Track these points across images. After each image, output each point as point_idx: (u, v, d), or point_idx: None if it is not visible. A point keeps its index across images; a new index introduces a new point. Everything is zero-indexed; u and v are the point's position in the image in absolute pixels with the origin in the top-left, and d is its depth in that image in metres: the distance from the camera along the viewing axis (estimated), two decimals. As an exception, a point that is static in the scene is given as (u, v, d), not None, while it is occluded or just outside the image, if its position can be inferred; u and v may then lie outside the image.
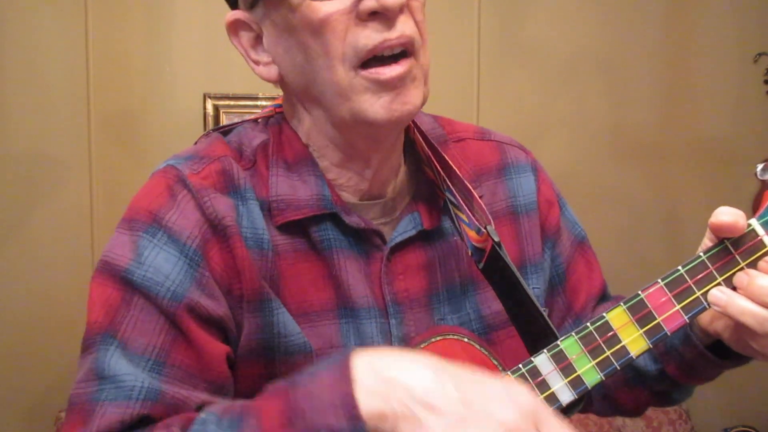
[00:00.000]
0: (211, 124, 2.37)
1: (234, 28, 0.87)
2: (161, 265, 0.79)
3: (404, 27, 0.79)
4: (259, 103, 2.35)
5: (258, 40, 0.86)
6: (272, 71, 0.87)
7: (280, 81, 0.88)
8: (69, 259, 2.32)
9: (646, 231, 2.61)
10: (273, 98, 2.30)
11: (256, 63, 0.88)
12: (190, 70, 2.36)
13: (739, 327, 0.80)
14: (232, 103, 2.36)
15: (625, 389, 1.01)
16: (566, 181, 2.49)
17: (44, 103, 2.29)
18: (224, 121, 2.37)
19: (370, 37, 0.78)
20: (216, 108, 2.36)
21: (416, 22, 0.81)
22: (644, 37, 2.55)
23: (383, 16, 0.78)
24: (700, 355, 0.89)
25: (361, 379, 0.64)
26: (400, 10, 0.78)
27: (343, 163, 0.88)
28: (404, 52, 0.80)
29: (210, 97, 2.36)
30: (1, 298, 2.29)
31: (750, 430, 2.55)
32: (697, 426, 2.48)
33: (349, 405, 0.63)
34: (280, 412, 0.65)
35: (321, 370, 0.67)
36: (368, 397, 0.63)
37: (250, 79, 2.51)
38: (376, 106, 0.80)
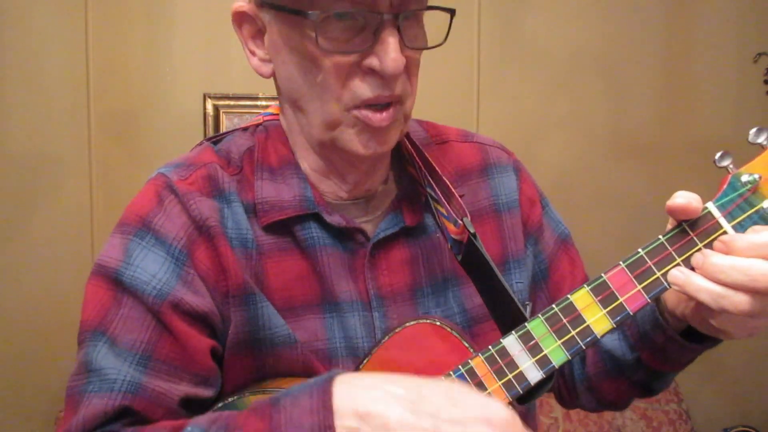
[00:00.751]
0: (211, 124, 2.37)
1: (238, 17, 0.90)
2: (149, 266, 0.85)
3: (398, 87, 0.85)
4: (259, 103, 2.36)
5: (259, 34, 0.90)
6: (267, 68, 0.91)
7: (273, 78, 0.92)
8: (69, 259, 2.33)
9: (645, 231, 2.59)
10: (273, 98, 2.30)
11: (252, 53, 0.91)
12: (190, 70, 2.36)
13: (699, 306, 0.83)
14: (232, 103, 2.37)
15: (607, 381, 1.04)
16: (566, 181, 2.50)
17: (44, 103, 2.29)
18: (224, 120, 2.37)
19: (367, 90, 0.84)
20: (216, 108, 2.37)
21: (409, 75, 0.87)
22: (644, 37, 2.55)
23: (381, 77, 0.83)
24: (670, 339, 0.91)
25: (340, 411, 0.67)
26: (401, 73, 0.83)
27: (322, 171, 0.93)
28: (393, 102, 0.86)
29: (210, 97, 2.36)
30: (1, 297, 2.29)
31: (750, 430, 2.55)
32: (697, 426, 2.48)
33: None
34: None
35: (303, 394, 0.70)
36: None
37: (250, 79, 2.51)
38: (355, 142, 0.86)
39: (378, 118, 0.84)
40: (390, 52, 0.81)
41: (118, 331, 0.83)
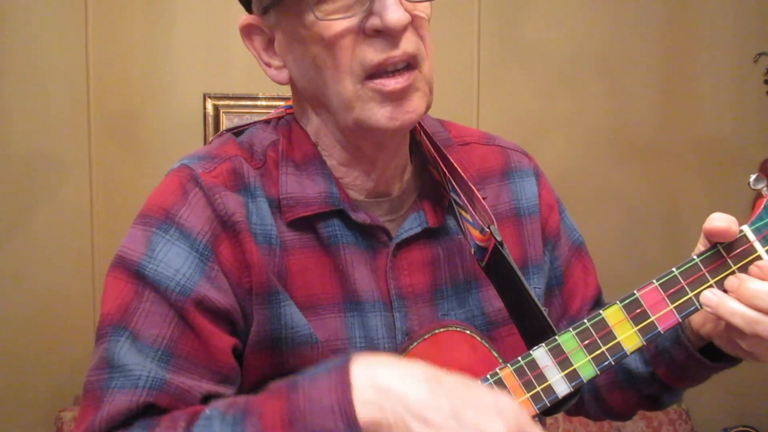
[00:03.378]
0: (211, 124, 2.37)
1: (247, 31, 0.90)
2: (172, 260, 0.83)
3: (407, 44, 0.82)
4: (258, 102, 2.36)
5: (270, 43, 0.89)
6: (283, 75, 0.90)
7: (291, 83, 0.92)
8: (69, 258, 2.33)
9: (645, 231, 2.61)
10: (273, 98, 2.31)
11: (268, 65, 0.91)
12: (190, 70, 2.36)
13: (729, 328, 0.83)
14: (232, 103, 2.37)
15: (616, 392, 1.03)
16: (566, 181, 2.50)
17: (44, 103, 2.29)
18: (224, 120, 2.37)
19: (375, 53, 0.82)
20: (216, 108, 2.37)
21: (420, 37, 0.85)
22: (644, 37, 2.55)
23: (387, 35, 0.81)
24: (691, 357, 0.91)
25: (358, 386, 0.68)
26: (404, 28, 0.82)
27: (350, 163, 0.91)
28: (408, 65, 0.84)
29: (210, 97, 2.36)
30: (1, 297, 2.29)
31: (750, 430, 2.55)
32: (697, 426, 2.48)
33: (347, 410, 0.67)
34: (281, 413, 0.69)
35: (321, 374, 0.71)
36: (365, 406, 0.68)
37: (250, 79, 2.51)
38: (378, 115, 0.84)
39: (393, 81, 0.82)
40: (388, 5, 0.79)
41: (140, 326, 0.81)
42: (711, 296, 0.80)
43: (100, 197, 2.34)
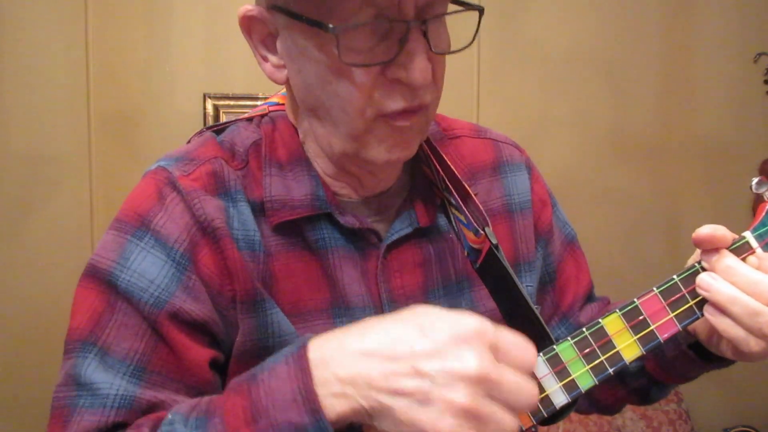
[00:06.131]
0: (210, 124, 2.37)
1: (247, 22, 0.83)
2: (147, 270, 0.78)
3: (426, 95, 0.79)
4: (258, 102, 2.35)
5: (271, 38, 0.83)
6: (281, 75, 0.84)
7: (286, 84, 0.86)
8: (69, 259, 2.32)
9: (646, 231, 2.61)
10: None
11: (264, 59, 0.84)
12: (190, 70, 2.36)
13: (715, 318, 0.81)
14: (232, 103, 2.36)
15: (604, 385, 1.01)
16: (566, 181, 2.50)
17: (44, 103, 2.29)
18: (224, 120, 2.36)
19: (394, 102, 0.78)
20: (216, 108, 2.37)
21: (435, 82, 0.81)
22: (644, 37, 2.55)
23: (408, 86, 0.77)
24: (682, 353, 0.90)
25: (323, 382, 0.64)
26: (428, 83, 0.78)
27: (336, 176, 0.88)
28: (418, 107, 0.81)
29: (210, 97, 2.36)
30: (0, 297, 2.29)
31: (750, 430, 2.55)
32: (697, 426, 2.48)
33: (310, 400, 0.63)
34: (243, 410, 0.66)
35: (279, 364, 0.67)
36: (336, 400, 0.63)
37: (250, 79, 2.50)
38: (379, 149, 0.81)
39: (403, 119, 0.79)
40: (418, 63, 0.75)
41: (111, 340, 0.77)
42: (707, 279, 0.79)
43: (100, 197, 2.34)
